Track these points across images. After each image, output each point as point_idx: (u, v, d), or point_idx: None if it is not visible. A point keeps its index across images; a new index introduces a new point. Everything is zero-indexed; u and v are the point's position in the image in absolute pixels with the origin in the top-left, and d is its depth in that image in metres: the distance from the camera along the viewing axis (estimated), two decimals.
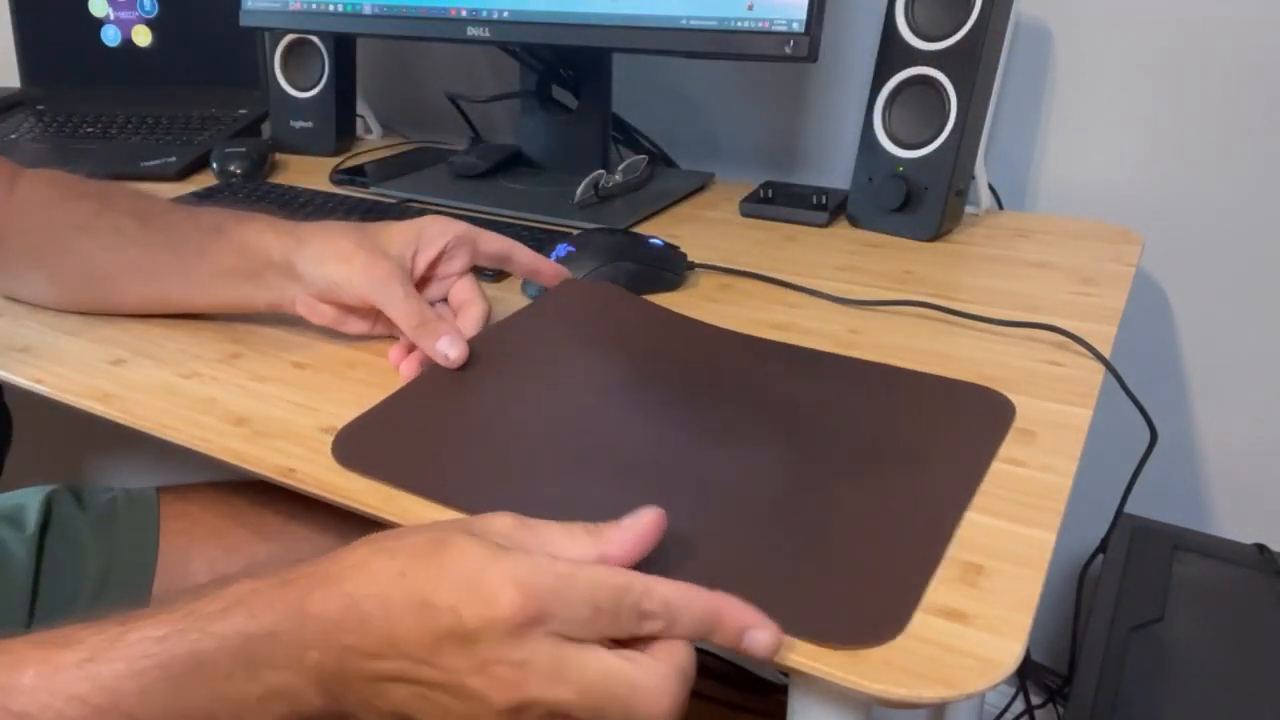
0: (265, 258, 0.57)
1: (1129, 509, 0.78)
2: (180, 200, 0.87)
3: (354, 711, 0.35)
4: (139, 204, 0.63)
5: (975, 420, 0.50)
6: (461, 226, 0.59)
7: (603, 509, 0.42)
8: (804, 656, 0.35)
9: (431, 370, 0.53)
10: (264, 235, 0.57)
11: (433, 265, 0.58)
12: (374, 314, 0.58)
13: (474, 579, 0.33)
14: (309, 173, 1.01)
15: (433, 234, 0.57)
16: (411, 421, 0.49)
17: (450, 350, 0.53)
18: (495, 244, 0.60)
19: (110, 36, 1.15)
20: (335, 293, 0.56)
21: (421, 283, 0.58)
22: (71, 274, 0.63)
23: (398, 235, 0.57)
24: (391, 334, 0.58)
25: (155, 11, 1.14)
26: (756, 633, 0.35)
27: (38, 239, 0.62)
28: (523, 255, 0.61)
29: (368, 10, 0.91)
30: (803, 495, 0.43)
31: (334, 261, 0.55)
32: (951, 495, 0.44)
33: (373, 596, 0.33)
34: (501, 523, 0.37)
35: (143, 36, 1.15)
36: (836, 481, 0.45)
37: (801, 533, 0.41)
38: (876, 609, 0.37)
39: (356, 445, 0.48)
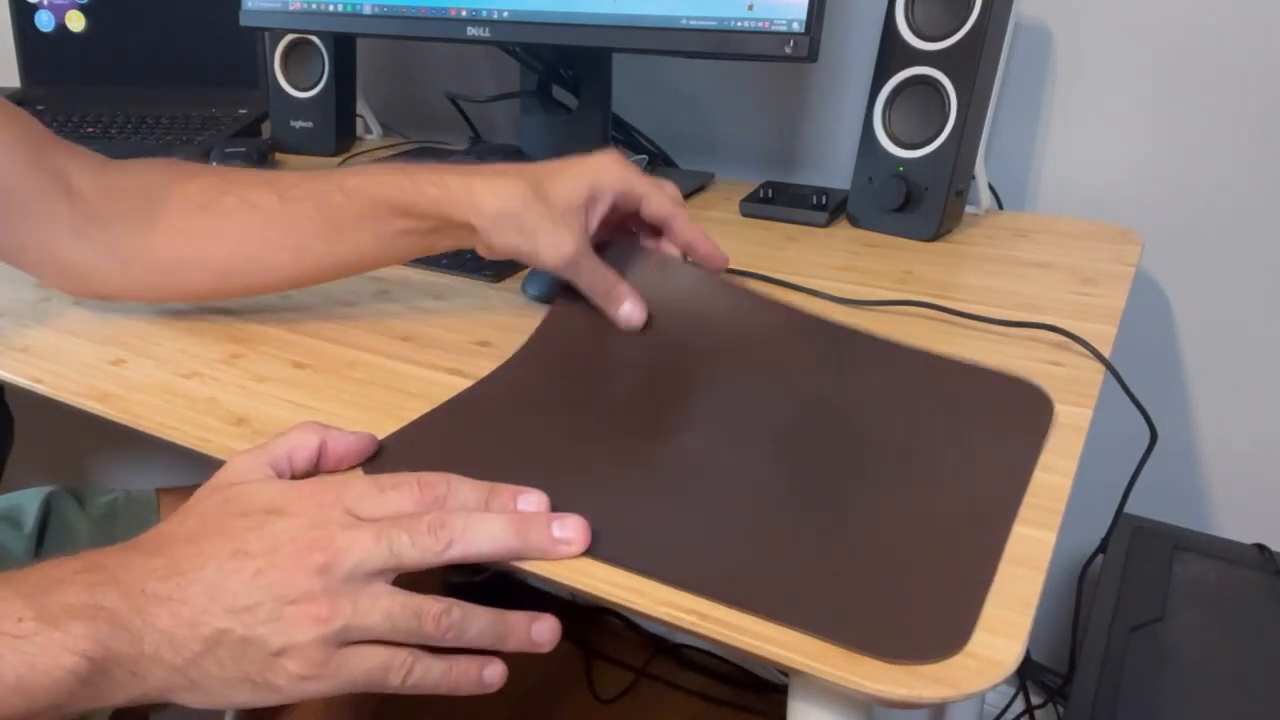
0: (444, 218, 0.55)
1: (1129, 509, 0.78)
2: None
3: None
4: (267, 177, 0.58)
5: (1018, 421, 0.49)
6: (632, 179, 0.56)
7: (648, 518, 0.42)
8: (805, 656, 0.35)
9: (473, 387, 0.53)
10: (439, 199, 0.55)
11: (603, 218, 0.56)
12: None
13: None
14: None
15: (606, 187, 0.55)
16: (447, 437, 0.49)
17: (634, 314, 0.55)
18: (661, 208, 0.57)
19: (44, 22, 1.15)
20: (518, 259, 0.55)
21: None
22: (198, 262, 0.58)
23: (571, 189, 0.54)
24: None
25: None
26: (529, 496, 0.41)
27: (145, 225, 0.57)
28: (682, 227, 0.58)
29: (368, 10, 0.91)
30: (847, 501, 0.43)
31: (515, 235, 0.54)
32: (1000, 506, 0.43)
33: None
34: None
35: (76, 22, 1.14)
36: (881, 486, 0.44)
37: (850, 541, 0.41)
38: (935, 625, 0.36)
39: (388, 457, 0.47)
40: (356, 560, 0.37)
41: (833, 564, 0.39)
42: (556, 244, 0.53)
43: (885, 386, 0.53)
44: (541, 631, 0.41)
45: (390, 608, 0.38)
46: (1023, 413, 0.50)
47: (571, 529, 0.40)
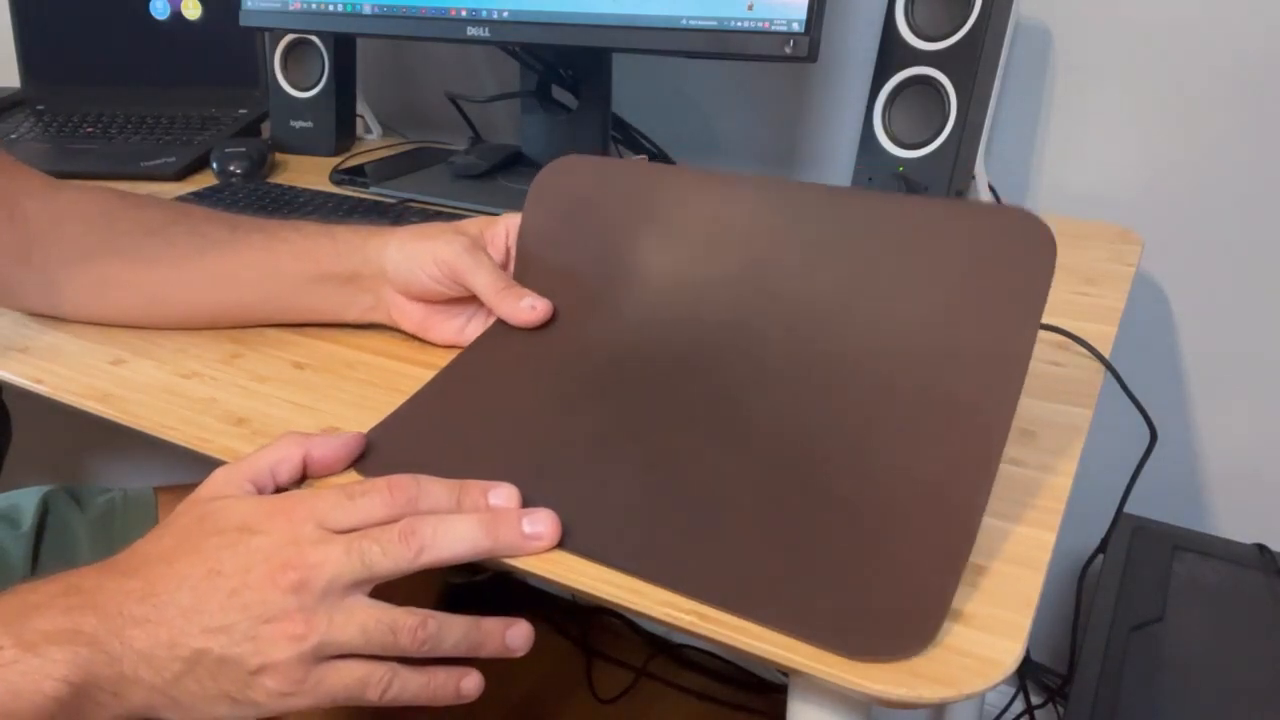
0: (362, 257, 0.57)
1: (1129, 509, 0.78)
2: (179, 201, 0.87)
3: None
4: (221, 214, 0.61)
5: (1014, 280, 0.46)
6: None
7: (621, 508, 0.42)
8: (804, 657, 0.35)
9: (443, 374, 0.53)
10: (369, 238, 0.57)
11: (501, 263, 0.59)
12: (463, 315, 0.58)
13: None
14: (309, 173, 1.01)
15: (502, 229, 0.59)
16: (431, 427, 0.49)
17: (537, 304, 0.54)
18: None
19: (159, 9, 1.15)
20: (417, 277, 0.55)
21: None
22: (131, 284, 0.59)
23: (477, 221, 0.59)
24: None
25: None
26: (499, 490, 0.41)
27: (89, 247, 0.58)
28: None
29: (368, 10, 0.91)
30: (821, 480, 0.42)
31: (416, 240, 0.56)
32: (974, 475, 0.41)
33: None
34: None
35: (192, 10, 1.14)
36: (858, 445, 0.43)
37: (807, 527, 0.40)
38: (901, 620, 0.35)
39: (376, 453, 0.47)
40: (330, 576, 0.38)
41: (800, 556, 0.39)
42: (455, 235, 0.55)
43: (865, 270, 0.48)
44: (515, 637, 0.41)
45: (365, 622, 0.38)
46: (1019, 268, 0.47)
47: (541, 524, 0.40)
